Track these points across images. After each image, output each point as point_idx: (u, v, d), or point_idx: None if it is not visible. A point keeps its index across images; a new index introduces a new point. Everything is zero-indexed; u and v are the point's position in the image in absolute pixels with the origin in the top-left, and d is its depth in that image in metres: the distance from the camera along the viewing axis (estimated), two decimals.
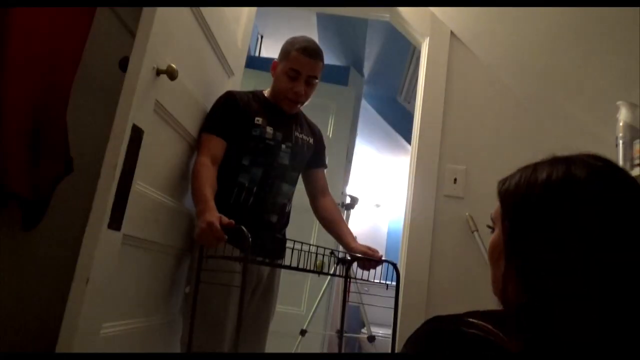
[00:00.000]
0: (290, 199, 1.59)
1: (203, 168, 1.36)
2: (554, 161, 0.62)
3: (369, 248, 1.48)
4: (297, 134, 1.59)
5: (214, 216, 1.22)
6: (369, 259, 1.45)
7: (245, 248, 1.16)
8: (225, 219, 1.22)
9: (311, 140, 1.64)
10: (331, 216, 1.63)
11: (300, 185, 1.64)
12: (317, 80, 1.55)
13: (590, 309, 0.51)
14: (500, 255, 0.61)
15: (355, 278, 1.51)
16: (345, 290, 1.59)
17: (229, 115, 1.48)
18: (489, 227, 0.67)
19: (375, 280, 1.49)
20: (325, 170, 1.73)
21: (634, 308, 0.51)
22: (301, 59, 1.49)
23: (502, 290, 0.58)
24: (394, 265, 1.44)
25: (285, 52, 1.53)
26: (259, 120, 1.51)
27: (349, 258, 1.52)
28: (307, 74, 1.51)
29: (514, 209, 0.60)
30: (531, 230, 0.57)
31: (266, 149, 1.49)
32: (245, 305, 1.22)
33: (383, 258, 1.48)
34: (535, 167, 0.62)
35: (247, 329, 1.46)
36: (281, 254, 1.53)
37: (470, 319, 0.55)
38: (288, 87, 1.51)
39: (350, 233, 1.58)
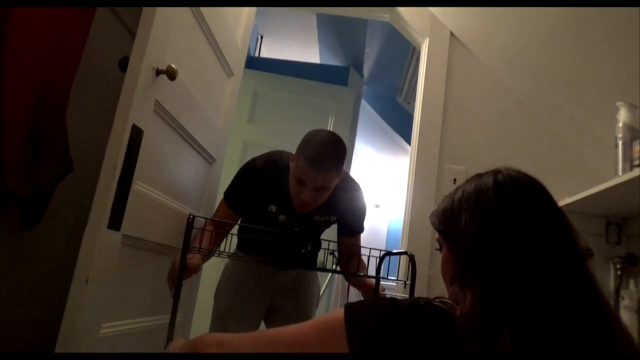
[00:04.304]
0: (309, 246, 1.62)
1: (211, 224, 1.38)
2: (470, 179, 0.77)
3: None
4: (317, 217, 1.53)
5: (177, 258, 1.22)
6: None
7: (185, 240, 1.18)
8: (193, 263, 1.22)
9: (333, 219, 1.57)
10: (353, 280, 1.60)
11: None
12: (328, 187, 1.38)
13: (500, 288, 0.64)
14: (447, 270, 0.74)
15: (337, 271, 1.52)
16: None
17: (245, 192, 1.49)
18: (437, 249, 0.81)
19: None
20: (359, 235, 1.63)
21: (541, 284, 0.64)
22: (307, 170, 1.32)
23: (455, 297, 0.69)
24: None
25: (298, 151, 1.38)
26: (272, 208, 1.50)
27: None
28: (313, 186, 1.35)
29: (441, 227, 0.76)
30: (456, 239, 0.72)
31: (279, 228, 1.48)
32: (180, 291, 1.22)
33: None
34: (457, 188, 0.77)
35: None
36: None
37: (437, 297, 0.68)
38: (295, 191, 1.39)
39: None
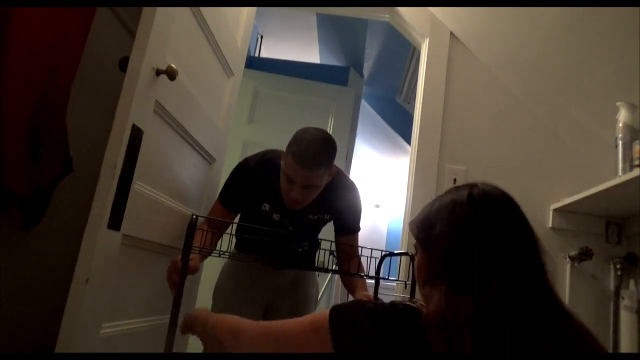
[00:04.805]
0: (305, 245, 1.61)
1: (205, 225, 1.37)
2: (448, 191, 0.83)
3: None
4: (311, 216, 1.53)
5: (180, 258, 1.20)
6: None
7: (188, 240, 1.17)
8: (192, 265, 1.21)
9: (327, 217, 1.56)
10: (347, 284, 1.57)
11: None
12: (317, 185, 1.38)
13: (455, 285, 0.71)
14: (421, 273, 0.81)
15: (335, 271, 1.51)
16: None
17: (239, 191, 1.49)
18: (413, 254, 0.88)
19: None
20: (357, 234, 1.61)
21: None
22: (295, 168, 1.32)
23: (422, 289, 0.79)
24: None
25: (287, 149, 1.37)
26: (266, 206, 1.50)
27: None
28: (301, 184, 1.35)
29: (420, 235, 0.83)
30: (431, 245, 0.79)
31: (273, 227, 1.49)
32: (182, 292, 1.22)
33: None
34: (435, 199, 0.84)
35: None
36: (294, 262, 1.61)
37: (413, 299, 0.80)
38: (285, 189, 1.40)
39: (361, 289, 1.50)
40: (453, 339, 0.66)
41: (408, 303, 0.74)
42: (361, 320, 0.74)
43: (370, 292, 1.44)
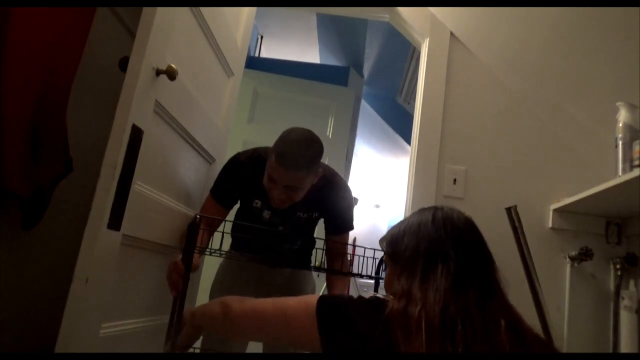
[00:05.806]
0: (298, 244, 1.61)
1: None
2: (415, 212, 0.96)
3: None
4: (300, 214, 1.52)
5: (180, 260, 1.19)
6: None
7: (192, 240, 1.17)
8: (193, 263, 1.20)
9: (316, 214, 1.56)
10: (328, 282, 1.59)
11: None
12: (299, 187, 1.35)
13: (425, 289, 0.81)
14: (390, 284, 0.91)
15: (328, 270, 1.51)
16: None
17: (231, 185, 1.49)
18: (383, 270, 1.00)
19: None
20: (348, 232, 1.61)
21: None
22: (276, 167, 1.30)
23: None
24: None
25: (272, 148, 1.35)
26: (257, 203, 1.50)
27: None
28: (282, 184, 1.33)
29: (389, 250, 0.95)
30: (399, 257, 0.90)
31: (263, 224, 1.50)
32: (185, 292, 1.20)
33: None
34: (403, 220, 0.96)
35: None
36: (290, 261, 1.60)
37: (384, 294, 0.89)
38: (268, 187, 1.38)
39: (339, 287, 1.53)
40: (411, 328, 0.74)
41: (382, 297, 0.85)
42: (345, 306, 0.84)
43: (355, 292, 1.44)
